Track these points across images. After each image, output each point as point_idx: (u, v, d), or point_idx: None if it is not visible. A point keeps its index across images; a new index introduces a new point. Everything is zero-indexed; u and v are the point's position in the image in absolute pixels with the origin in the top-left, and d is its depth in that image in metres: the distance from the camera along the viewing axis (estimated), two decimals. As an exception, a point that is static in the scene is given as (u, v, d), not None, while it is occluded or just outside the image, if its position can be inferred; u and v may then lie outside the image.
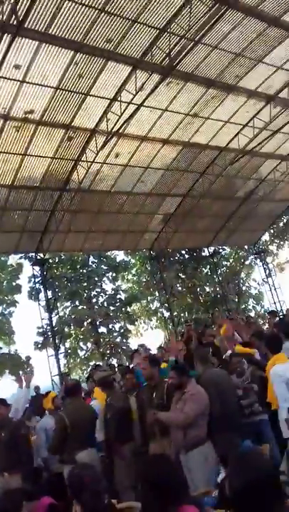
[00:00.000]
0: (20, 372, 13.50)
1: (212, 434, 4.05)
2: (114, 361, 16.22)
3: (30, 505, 2.72)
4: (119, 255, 19.44)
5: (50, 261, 15.20)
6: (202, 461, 3.91)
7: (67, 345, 16.84)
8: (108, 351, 17.69)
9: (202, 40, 9.48)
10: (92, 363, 16.14)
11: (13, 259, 17.26)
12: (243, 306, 20.49)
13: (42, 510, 2.72)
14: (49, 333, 13.16)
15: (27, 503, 2.68)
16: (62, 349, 13.12)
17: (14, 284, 17.09)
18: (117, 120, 10.19)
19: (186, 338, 9.17)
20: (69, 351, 16.72)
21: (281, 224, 20.81)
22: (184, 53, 9.42)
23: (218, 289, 19.70)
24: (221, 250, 19.87)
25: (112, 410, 5.16)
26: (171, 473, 2.31)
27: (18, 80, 8.59)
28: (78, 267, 18.34)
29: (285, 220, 20.83)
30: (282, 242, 21.54)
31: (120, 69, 9.47)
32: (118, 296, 18.96)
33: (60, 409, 5.42)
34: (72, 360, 16.87)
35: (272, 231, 20.84)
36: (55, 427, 4.83)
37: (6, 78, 8.40)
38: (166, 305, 16.84)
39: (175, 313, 17.24)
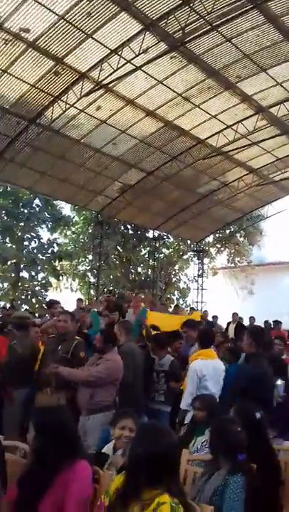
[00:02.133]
0: None
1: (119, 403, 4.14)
2: (25, 307, 15.98)
3: None
4: (65, 208, 19.04)
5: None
6: (99, 427, 3.94)
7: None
8: (23, 297, 17.38)
9: (219, 28, 9.36)
10: (2, 302, 15.83)
11: None
12: (168, 295, 20.96)
13: None
14: None
15: None
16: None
17: None
18: (111, 73, 9.87)
19: (106, 306, 9.30)
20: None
21: (227, 231, 21.42)
22: (197, 33, 9.28)
23: (150, 272, 19.97)
24: (164, 237, 20.12)
25: (14, 353, 5.11)
26: (69, 425, 2.34)
27: (25, -7, 8.01)
28: (20, 204, 17.70)
29: (232, 229, 21.45)
30: (222, 249, 22.21)
31: (131, 24, 9.13)
32: (51, 248, 18.61)
33: None
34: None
35: (217, 235, 21.39)
36: None
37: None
38: (96, 271, 16.84)
39: (101, 281, 17.26)
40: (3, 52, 9.18)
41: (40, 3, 8.30)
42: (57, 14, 8.61)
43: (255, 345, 3.96)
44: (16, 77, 9.82)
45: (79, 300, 11.59)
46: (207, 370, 4.34)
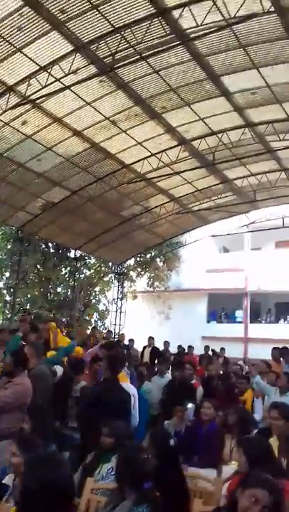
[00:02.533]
0: None
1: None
2: None
3: None
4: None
5: None
6: (3, 455, 3.69)
7: None
8: None
9: (148, 59, 9.70)
10: None
11: None
12: (87, 317, 20.69)
13: None
14: None
15: None
16: None
17: None
18: (39, 90, 9.75)
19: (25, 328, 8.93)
20: None
21: (148, 256, 21.80)
22: (127, 61, 9.52)
23: (69, 293, 19.63)
24: (86, 257, 19.97)
25: None
26: None
27: None
28: None
29: (152, 254, 21.88)
30: (142, 272, 22.51)
31: (63, 43, 9.14)
32: None
33: None
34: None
35: (138, 259, 21.68)
36: None
37: None
38: (12, 289, 16.19)
39: (18, 300, 16.62)
40: None
41: None
42: (-15, 25, 8.40)
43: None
44: None
45: None
46: None
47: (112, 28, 8.80)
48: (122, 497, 2.60)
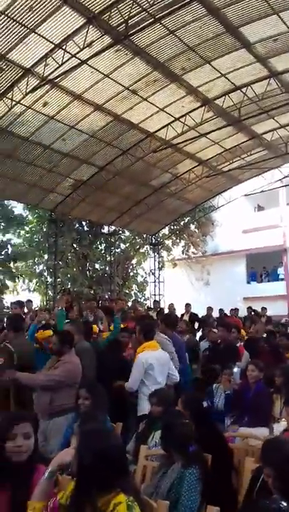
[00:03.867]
0: None
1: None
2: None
3: None
4: (17, 208, 18.60)
5: None
6: (61, 430, 3.88)
7: None
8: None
9: (162, 20, 9.37)
10: None
11: None
12: (126, 290, 20.99)
13: None
14: None
15: None
16: None
17: None
18: (56, 68, 9.68)
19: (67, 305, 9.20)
20: None
21: (182, 223, 21.66)
22: (141, 26, 9.24)
23: (107, 268, 19.92)
24: (120, 232, 20.09)
25: None
26: None
27: None
28: None
29: (186, 221, 21.72)
30: (178, 240, 22.46)
31: (74, 17, 8.97)
32: (5, 250, 18.15)
33: None
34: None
35: (172, 227, 21.60)
36: None
37: None
38: (52, 270, 16.59)
39: (59, 280, 17.03)
40: None
41: (-23, -2, 8.00)
42: (-4, 10, 8.33)
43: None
44: None
45: (29, 301, 10.76)
46: (153, 360, 4.57)
47: (123, -6, 8.53)
48: (171, 461, 2.71)
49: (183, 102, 12.57)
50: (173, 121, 13.25)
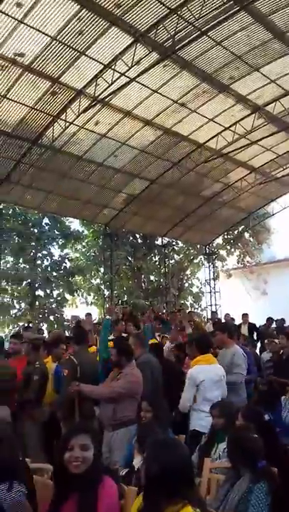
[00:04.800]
0: None
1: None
2: (44, 326, 16.13)
3: None
4: (74, 223, 19.18)
5: (3, 212, 14.75)
6: (124, 442, 3.95)
7: (1, 300, 16.54)
8: (40, 315, 17.51)
9: (208, 32, 9.45)
10: (21, 323, 15.96)
11: None
12: (182, 301, 20.92)
13: None
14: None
15: None
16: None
17: None
18: (106, 88, 10.01)
19: (124, 318, 9.35)
20: (1, 306, 16.42)
21: (236, 232, 21.35)
22: (187, 40, 9.37)
23: (162, 280, 19.98)
24: (173, 243, 20.14)
25: (39, 373, 5.09)
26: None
27: (17, 19, 8.20)
28: (30, 225, 17.92)
29: (240, 229, 21.38)
30: (232, 250, 22.12)
31: (122, 37, 9.27)
32: (63, 264, 18.75)
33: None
34: (1, 316, 16.57)
35: (226, 237, 21.33)
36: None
37: (4, 13, 7.99)
38: (109, 283, 16.89)
39: (115, 293, 17.30)
40: (0, 79, 9.36)
41: (32, 27, 8.48)
42: (49, 36, 8.78)
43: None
44: (15, 101, 10.01)
45: (88, 315, 11.01)
46: (206, 375, 4.36)
47: (168, 11, 8.72)
48: (238, 475, 2.66)
49: (232, 111, 12.52)
50: (223, 131, 13.21)
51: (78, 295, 19.15)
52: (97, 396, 4.26)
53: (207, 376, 4.35)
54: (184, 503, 1.76)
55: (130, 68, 9.56)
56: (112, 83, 9.83)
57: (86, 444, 2.23)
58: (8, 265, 17.21)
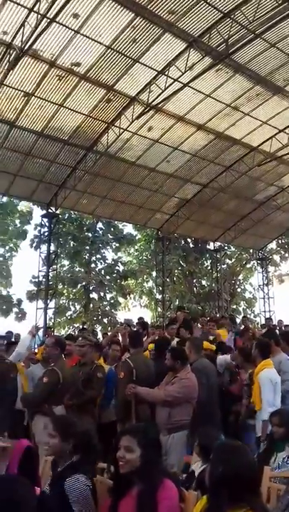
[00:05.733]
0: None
1: (194, 422, 4.09)
2: (98, 328, 16.46)
3: (10, 442, 2.77)
4: (127, 227, 19.47)
5: (60, 216, 15.23)
6: (180, 445, 3.96)
7: (58, 302, 17.07)
8: (95, 318, 17.90)
9: (262, 35, 9.33)
10: (76, 325, 16.39)
11: (23, 206, 17.31)
12: (234, 306, 20.62)
13: (20, 451, 2.70)
14: (42, 286, 13.32)
15: (6, 439, 2.77)
16: (51, 304, 13.26)
17: (21, 230, 17.19)
18: (159, 94, 10.12)
19: (180, 323, 9.28)
20: (58, 308, 16.94)
21: (290, 236, 20.80)
22: (241, 43, 9.28)
23: (214, 284, 19.80)
24: (225, 247, 19.90)
25: (102, 371, 5.15)
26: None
27: (73, 30, 8.51)
28: (85, 229, 18.40)
29: (294, 234, 20.79)
30: (286, 255, 21.54)
31: (175, 43, 9.36)
32: (116, 268, 19.07)
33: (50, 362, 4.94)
34: (58, 318, 17.10)
35: (280, 241, 20.80)
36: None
37: (62, 25, 8.31)
38: (160, 288, 16.96)
39: (167, 297, 17.35)
40: (58, 88, 9.74)
41: (87, 37, 8.76)
42: (104, 45, 9.04)
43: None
44: (72, 110, 10.37)
45: (140, 319, 10.73)
46: (277, 378, 4.41)
47: (222, 15, 8.70)
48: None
49: (287, 113, 12.22)
50: (277, 133, 12.94)
51: (131, 298, 19.39)
52: (152, 399, 4.28)
53: (277, 380, 4.40)
54: (247, 509, 1.75)
55: (183, 74, 9.61)
56: (165, 89, 9.92)
57: (129, 446, 2.24)
58: (65, 268, 17.75)
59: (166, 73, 9.79)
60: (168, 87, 9.90)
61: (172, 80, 9.80)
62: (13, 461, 2.72)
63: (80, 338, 5.31)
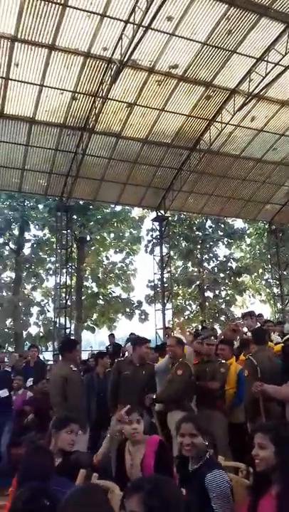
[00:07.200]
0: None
1: None
2: (216, 326, 16.36)
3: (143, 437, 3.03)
4: (237, 222, 19.07)
5: (170, 219, 15.49)
6: None
7: (174, 303, 17.35)
8: (211, 316, 17.84)
9: None
10: (194, 324, 16.49)
11: (134, 212, 17.98)
12: None
13: (154, 444, 3.01)
14: (159, 289, 13.67)
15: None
16: (168, 305, 13.54)
17: (136, 236, 17.88)
18: (260, 81, 9.77)
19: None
20: (175, 309, 17.21)
21: None
22: None
23: None
24: None
25: (226, 367, 5.18)
26: None
27: (168, 33, 8.64)
28: (195, 228, 18.46)
29: None
30: None
31: (272, 27, 8.98)
32: (229, 264, 18.79)
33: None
34: (176, 319, 17.35)
35: None
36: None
37: (157, 30, 8.50)
38: (278, 282, 16.25)
39: (285, 291, 16.57)
40: (158, 93, 9.96)
41: (183, 37, 8.84)
42: (200, 42, 9.03)
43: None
44: (173, 112, 10.52)
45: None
46: None
47: None
48: None
49: None
50: None
51: (247, 295, 18.95)
52: (281, 396, 4.14)
53: None
54: None
55: (284, 56, 9.16)
56: (266, 75, 9.55)
57: (262, 443, 2.25)
58: (179, 270, 18.00)
59: (266, 59, 9.43)
60: (269, 72, 9.52)
61: (273, 65, 9.40)
62: (149, 454, 2.96)
63: (212, 337, 5.49)
